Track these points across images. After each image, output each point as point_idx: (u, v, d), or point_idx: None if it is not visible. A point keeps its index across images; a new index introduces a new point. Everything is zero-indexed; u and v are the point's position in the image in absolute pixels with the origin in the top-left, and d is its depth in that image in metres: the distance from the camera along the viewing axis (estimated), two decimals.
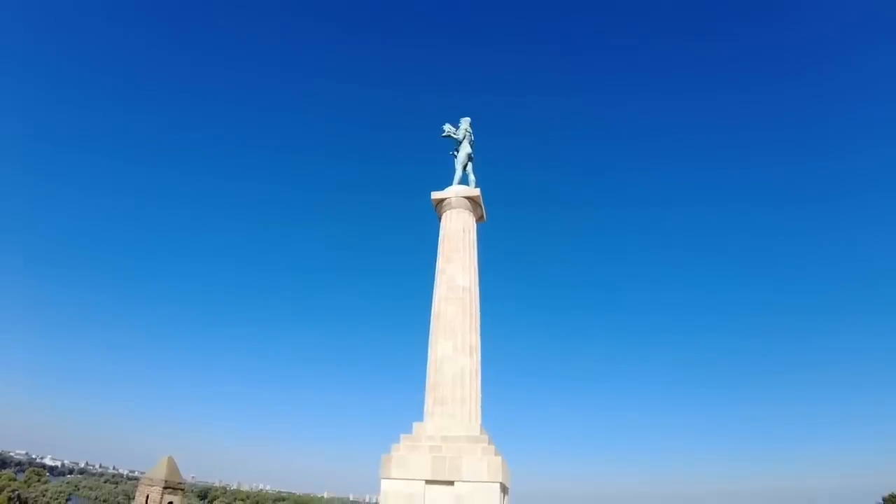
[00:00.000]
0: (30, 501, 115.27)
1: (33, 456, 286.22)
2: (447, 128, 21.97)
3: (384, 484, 16.12)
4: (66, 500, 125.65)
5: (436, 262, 19.96)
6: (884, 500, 44.10)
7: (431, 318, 19.02)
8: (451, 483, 15.66)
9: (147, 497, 27.09)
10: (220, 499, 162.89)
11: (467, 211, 20.53)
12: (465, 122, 22.19)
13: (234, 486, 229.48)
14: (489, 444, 16.59)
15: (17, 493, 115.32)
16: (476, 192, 20.75)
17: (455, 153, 21.90)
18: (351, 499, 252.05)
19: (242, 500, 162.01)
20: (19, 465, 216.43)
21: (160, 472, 27.24)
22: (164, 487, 27.06)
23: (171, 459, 28.09)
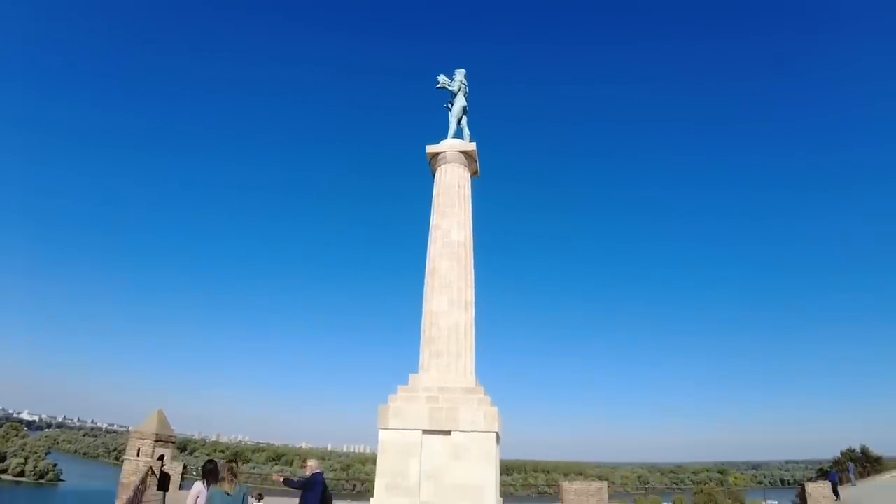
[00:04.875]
0: (8, 456, 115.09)
1: (10, 411, 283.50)
2: (441, 79, 21.43)
3: (382, 434, 16.46)
4: (46, 454, 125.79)
5: (430, 217, 19.88)
6: (841, 453, 47.27)
7: (426, 273, 19.07)
8: (448, 433, 16.10)
9: (138, 451, 27.19)
10: (200, 450, 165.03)
11: (462, 165, 20.32)
12: (459, 74, 21.64)
13: (213, 438, 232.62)
14: (485, 395, 17.03)
15: None
16: (471, 146, 20.49)
17: (449, 106, 21.42)
18: (329, 449, 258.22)
19: (222, 451, 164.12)
20: None
21: (151, 426, 27.23)
22: (156, 441, 27.17)
23: (161, 413, 28.08)
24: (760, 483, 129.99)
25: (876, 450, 47.61)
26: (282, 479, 10.73)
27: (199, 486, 8.82)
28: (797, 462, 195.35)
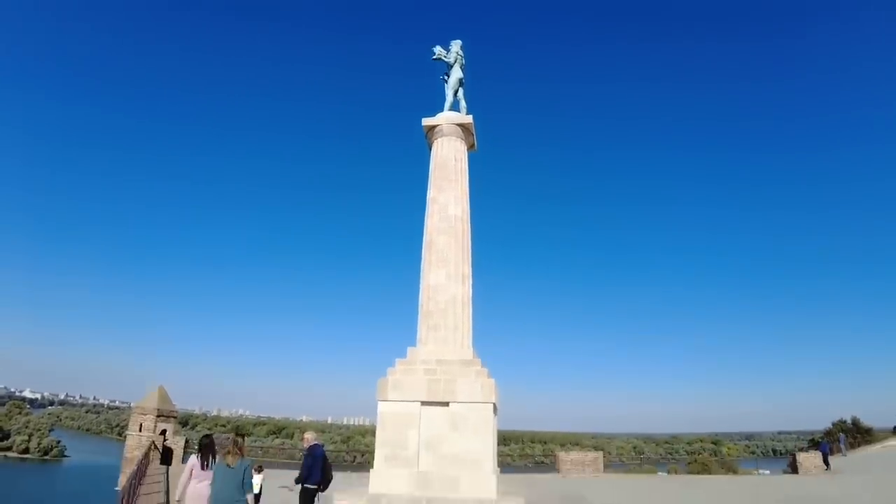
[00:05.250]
0: (12, 433, 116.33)
1: (11, 389, 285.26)
2: (437, 50, 21.03)
3: (381, 406, 16.60)
4: (49, 430, 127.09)
5: (427, 191, 19.74)
6: (833, 424, 47.94)
7: (423, 248, 19.01)
8: (446, 404, 16.27)
9: (141, 426, 27.54)
10: (201, 425, 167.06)
11: (459, 139, 20.08)
12: (455, 45, 21.20)
13: (214, 413, 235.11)
14: (482, 367, 17.16)
15: None
16: (468, 119, 20.21)
17: (445, 78, 21.05)
18: (329, 421, 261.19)
19: (223, 425, 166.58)
20: None
21: (152, 402, 27.58)
22: (157, 416, 27.53)
23: (161, 389, 28.43)
24: (753, 453, 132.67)
25: (867, 421, 48.29)
26: (294, 483, 10.68)
27: (193, 459, 8.95)
28: (789, 433, 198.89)
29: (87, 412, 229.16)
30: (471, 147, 21.03)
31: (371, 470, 16.21)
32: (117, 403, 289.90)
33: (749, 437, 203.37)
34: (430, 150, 20.48)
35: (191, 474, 8.72)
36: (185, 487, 8.73)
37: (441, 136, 20.03)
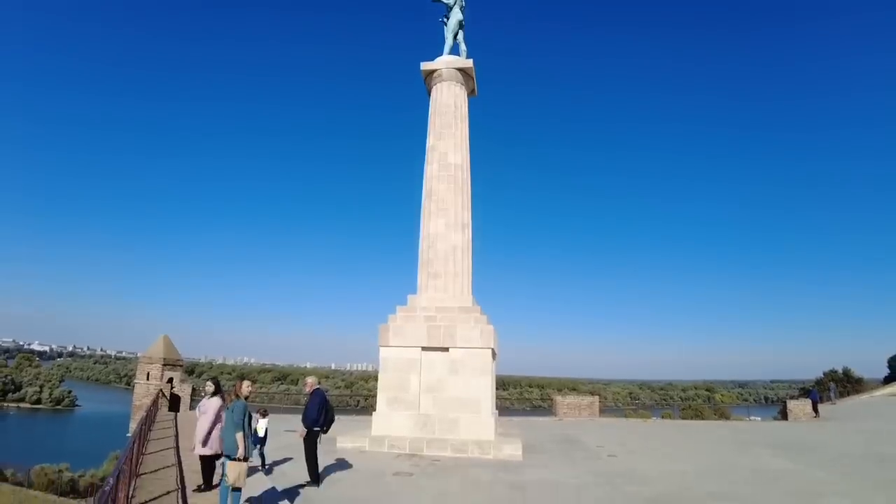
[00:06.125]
0: (23, 385, 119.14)
1: (21, 343, 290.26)
2: None
3: (383, 351, 16.92)
4: (60, 381, 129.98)
5: (426, 139, 19.40)
6: (824, 374, 48.80)
7: (423, 196, 18.86)
8: (446, 349, 16.57)
9: (148, 374, 28.11)
10: (207, 373, 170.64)
11: (459, 84, 19.55)
12: None
13: (220, 361, 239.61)
14: (481, 314, 17.36)
15: (10, 378, 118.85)
16: (468, 63, 19.59)
17: (445, 20, 20.28)
18: (333, 367, 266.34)
19: (229, 373, 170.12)
20: (8, 353, 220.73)
21: (158, 351, 28.06)
22: (164, 365, 28.06)
23: (166, 338, 28.87)
24: (746, 401, 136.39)
25: (859, 372, 49.17)
26: (303, 428, 10.82)
27: (218, 401, 9.43)
28: (782, 382, 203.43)
29: (95, 363, 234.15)
30: (471, 92, 20.52)
31: (374, 413, 16.70)
32: (124, 354, 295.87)
33: (742, 385, 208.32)
34: (430, 95, 19.99)
35: (217, 416, 9.17)
36: (210, 428, 9.23)
37: (440, 82, 19.50)
